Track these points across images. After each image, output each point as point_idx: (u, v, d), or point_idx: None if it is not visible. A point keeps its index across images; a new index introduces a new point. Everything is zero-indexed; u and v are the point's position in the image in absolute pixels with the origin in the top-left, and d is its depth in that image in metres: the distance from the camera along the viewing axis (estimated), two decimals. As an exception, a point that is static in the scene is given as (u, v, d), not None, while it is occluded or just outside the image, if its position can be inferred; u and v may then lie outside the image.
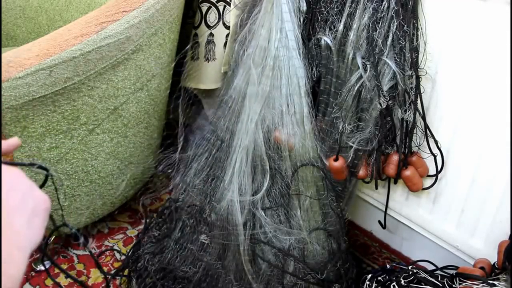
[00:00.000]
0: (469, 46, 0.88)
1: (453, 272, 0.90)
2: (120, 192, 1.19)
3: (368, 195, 1.20)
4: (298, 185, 0.97)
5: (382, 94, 0.89)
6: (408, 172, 0.97)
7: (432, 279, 0.88)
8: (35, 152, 0.96)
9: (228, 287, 0.98)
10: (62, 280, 1.14)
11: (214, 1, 1.23)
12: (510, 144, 0.85)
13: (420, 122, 0.96)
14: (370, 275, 0.98)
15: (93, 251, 1.23)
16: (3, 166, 0.40)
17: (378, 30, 0.89)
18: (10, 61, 0.85)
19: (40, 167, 0.48)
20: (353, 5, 0.92)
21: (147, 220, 1.19)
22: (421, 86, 0.92)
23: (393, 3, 0.88)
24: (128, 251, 1.21)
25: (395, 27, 0.89)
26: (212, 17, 1.25)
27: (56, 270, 1.17)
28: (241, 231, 0.93)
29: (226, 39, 1.24)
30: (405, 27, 0.89)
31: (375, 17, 0.90)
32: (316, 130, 0.97)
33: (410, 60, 0.90)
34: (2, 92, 0.84)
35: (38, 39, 0.92)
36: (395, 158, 0.97)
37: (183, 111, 1.05)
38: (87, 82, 0.96)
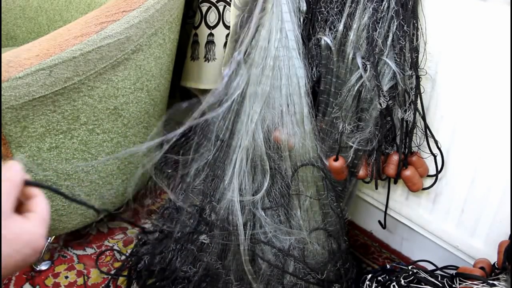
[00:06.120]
0: (469, 46, 0.88)
1: (453, 272, 0.90)
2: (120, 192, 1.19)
3: (368, 195, 1.20)
4: (298, 185, 0.97)
5: (382, 94, 0.89)
6: (408, 172, 0.97)
7: (432, 279, 0.88)
8: (35, 152, 0.96)
9: (228, 287, 0.98)
10: (62, 280, 1.14)
11: (214, 1, 1.23)
12: (510, 144, 0.85)
13: (420, 122, 0.96)
14: (370, 275, 0.98)
15: (92, 251, 1.23)
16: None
17: (378, 30, 0.89)
18: (10, 61, 0.85)
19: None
20: (353, 5, 0.92)
21: (147, 220, 1.19)
22: (421, 86, 0.92)
23: (393, 3, 0.88)
24: (128, 251, 1.21)
25: (395, 27, 0.89)
26: (212, 17, 1.25)
27: (56, 270, 1.16)
28: (241, 231, 0.93)
29: (226, 39, 1.24)
30: (405, 27, 0.89)
31: (375, 17, 0.89)
32: (316, 130, 0.97)
33: (410, 60, 0.90)
34: (2, 92, 0.84)
35: (38, 39, 0.92)
36: (395, 158, 0.97)
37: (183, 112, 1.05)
38: (87, 82, 0.96)
